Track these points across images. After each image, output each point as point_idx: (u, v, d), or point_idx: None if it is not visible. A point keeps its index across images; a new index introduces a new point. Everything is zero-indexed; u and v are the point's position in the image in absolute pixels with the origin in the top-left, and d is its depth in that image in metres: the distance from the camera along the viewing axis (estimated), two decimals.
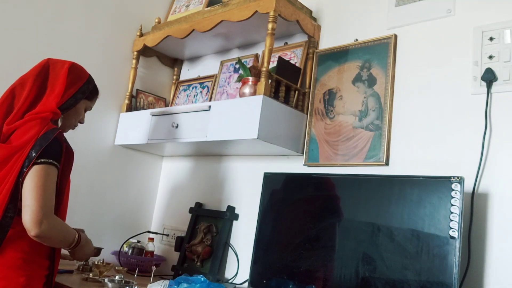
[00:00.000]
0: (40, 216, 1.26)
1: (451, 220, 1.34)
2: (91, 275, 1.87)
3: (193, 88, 2.56)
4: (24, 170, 1.30)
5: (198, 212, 2.26)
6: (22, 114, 1.40)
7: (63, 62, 1.51)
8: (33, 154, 1.31)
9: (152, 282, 1.68)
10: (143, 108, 2.50)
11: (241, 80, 1.96)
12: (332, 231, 1.60)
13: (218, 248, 2.06)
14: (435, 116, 1.62)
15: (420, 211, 1.41)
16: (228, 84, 2.35)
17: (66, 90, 1.46)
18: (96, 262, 1.90)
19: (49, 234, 1.30)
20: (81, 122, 1.61)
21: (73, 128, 1.60)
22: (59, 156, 1.38)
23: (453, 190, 1.36)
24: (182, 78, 2.71)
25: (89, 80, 1.56)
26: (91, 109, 1.63)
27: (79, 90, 1.51)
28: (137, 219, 2.51)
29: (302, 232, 1.68)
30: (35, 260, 1.37)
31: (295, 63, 2.05)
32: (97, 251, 1.68)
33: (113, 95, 2.44)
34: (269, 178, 1.87)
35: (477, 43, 1.57)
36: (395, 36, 1.79)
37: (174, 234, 2.38)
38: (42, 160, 1.32)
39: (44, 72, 1.47)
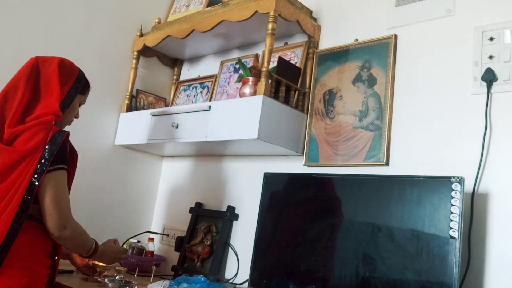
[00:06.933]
0: (63, 221, 1.35)
1: (451, 220, 1.34)
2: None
3: (193, 88, 2.56)
4: (36, 176, 1.31)
5: (198, 212, 2.26)
6: (20, 116, 1.38)
7: (52, 60, 1.48)
8: (46, 161, 1.32)
9: (152, 282, 1.68)
10: (143, 108, 2.50)
11: (241, 80, 1.96)
12: (332, 231, 1.60)
13: (218, 248, 2.06)
14: (435, 116, 1.62)
15: (420, 211, 1.41)
16: (228, 84, 2.35)
17: (62, 90, 1.44)
18: (96, 262, 1.90)
19: (72, 236, 1.38)
20: (77, 117, 1.59)
21: (69, 124, 1.59)
22: (65, 158, 1.40)
23: (453, 190, 1.36)
24: (182, 78, 2.71)
25: (80, 75, 1.53)
26: (85, 103, 1.61)
27: (73, 87, 1.49)
28: (137, 219, 2.52)
29: (302, 232, 1.68)
30: (38, 259, 1.37)
31: (295, 63, 2.05)
32: (120, 256, 1.66)
33: (113, 95, 2.44)
34: (269, 178, 1.87)
35: (477, 43, 1.57)
36: (395, 36, 1.79)
37: (174, 234, 2.38)
38: (56, 166, 1.35)
39: (34, 71, 1.44)
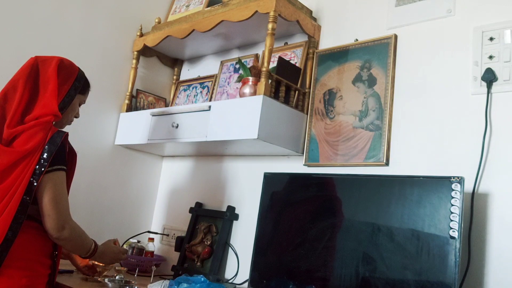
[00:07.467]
0: (62, 222, 1.35)
1: (451, 220, 1.34)
2: None
3: (193, 88, 2.56)
4: (35, 177, 1.31)
5: (198, 212, 2.26)
6: (20, 116, 1.38)
7: (51, 59, 1.47)
8: (45, 161, 1.32)
9: (152, 282, 1.68)
10: (143, 108, 2.50)
11: (241, 80, 1.96)
12: (332, 231, 1.60)
13: (218, 248, 2.06)
14: (435, 116, 1.62)
15: (420, 211, 1.41)
16: (228, 84, 2.35)
17: (61, 89, 1.44)
18: (96, 262, 1.90)
19: (71, 236, 1.38)
20: (77, 116, 1.59)
21: (70, 124, 1.59)
22: (64, 158, 1.39)
23: (453, 190, 1.36)
24: (182, 78, 2.71)
25: (80, 75, 1.53)
26: (85, 103, 1.61)
27: (72, 86, 1.49)
28: (137, 219, 2.52)
29: (302, 232, 1.68)
30: (38, 259, 1.37)
31: (295, 63, 2.05)
32: (120, 256, 1.66)
33: (113, 95, 2.44)
34: (269, 178, 1.87)
35: (477, 43, 1.57)
36: (395, 36, 1.79)
37: (174, 234, 2.38)
38: (55, 167, 1.35)
39: (34, 71, 1.44)
